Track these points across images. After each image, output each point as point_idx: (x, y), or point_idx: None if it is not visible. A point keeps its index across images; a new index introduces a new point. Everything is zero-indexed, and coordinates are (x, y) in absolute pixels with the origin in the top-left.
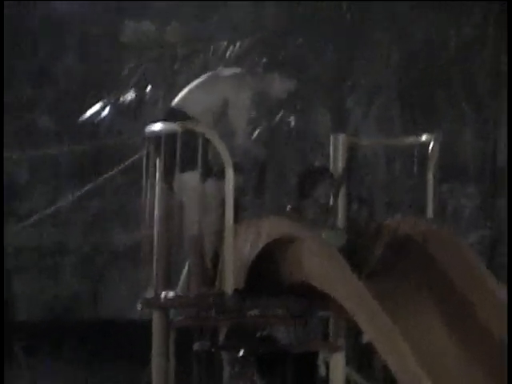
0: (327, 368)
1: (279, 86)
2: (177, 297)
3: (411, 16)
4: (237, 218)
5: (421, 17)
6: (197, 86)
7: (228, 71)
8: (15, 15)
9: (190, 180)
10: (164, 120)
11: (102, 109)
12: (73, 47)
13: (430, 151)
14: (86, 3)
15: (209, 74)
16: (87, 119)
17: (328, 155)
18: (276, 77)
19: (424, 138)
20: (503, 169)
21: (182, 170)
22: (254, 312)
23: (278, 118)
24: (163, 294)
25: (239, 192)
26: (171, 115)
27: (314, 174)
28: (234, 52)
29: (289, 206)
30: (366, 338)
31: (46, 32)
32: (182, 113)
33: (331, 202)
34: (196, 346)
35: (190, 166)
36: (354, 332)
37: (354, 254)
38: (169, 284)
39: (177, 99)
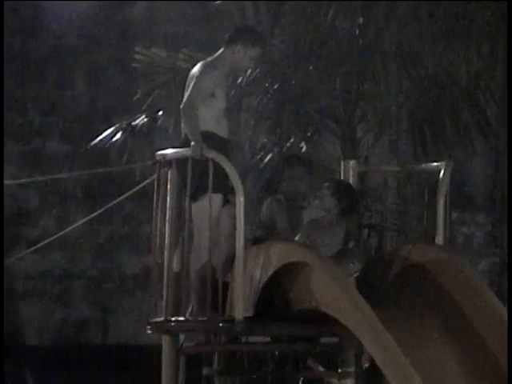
0: None
1: (243, 56)
2: (186, 321)
3: (421, 46)
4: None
5: (430, 47)
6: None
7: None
8: (24, 46)
9: (206, 205)
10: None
11: (113, 134)
12: (83, 74)
13: (440, 178)
14: (95, 31)
15: None
16: (97, 144)
17: None
18: (238, 48)
19: (435, 164)
20: None
21: (196, 196)
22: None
23: (288, 143)
24: (173, 318)
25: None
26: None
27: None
28: (244, 80)
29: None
30: (366, 363)
31: (56, 60)
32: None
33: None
34: (205, 371)
35: (205, 190)
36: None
37: (365, 281)
38: (178, 310)
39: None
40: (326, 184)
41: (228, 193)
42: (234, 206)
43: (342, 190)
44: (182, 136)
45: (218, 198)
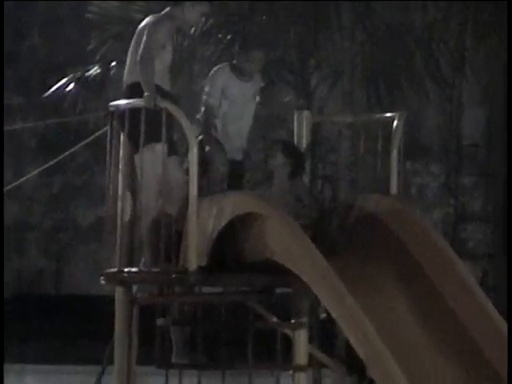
0: None
1: (192, 11)
2: (139, 272)
3: None
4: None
5: None
6: (130, 52)
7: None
8: None
9: (152, 153)
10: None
11: (67, 84)
12: (36, 25)
13: (394, 128)
14: None
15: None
16: (51, 95)
17: (292, 132)
18: (187, 5)
19: (388, 115)
20: (467, 147)
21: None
22: (217, 288)
23: None
24: (126, 269)
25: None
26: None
27: (275, 144)
28: (198, 30)
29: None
30: (323, 314)
31: (11, 11)
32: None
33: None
34: (159, 322)
35: (148, 141)
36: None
37: (318, 231)
38: (132, 260)
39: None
40: (275, 145)
41: (172, 143)
42: (180, 156)
43: (290, 148)
44: (124, 87)
45: (158, 148)
